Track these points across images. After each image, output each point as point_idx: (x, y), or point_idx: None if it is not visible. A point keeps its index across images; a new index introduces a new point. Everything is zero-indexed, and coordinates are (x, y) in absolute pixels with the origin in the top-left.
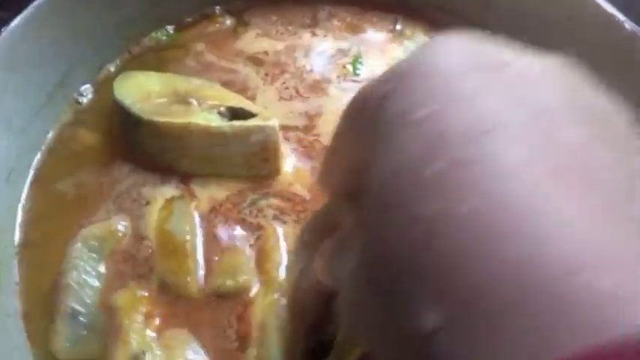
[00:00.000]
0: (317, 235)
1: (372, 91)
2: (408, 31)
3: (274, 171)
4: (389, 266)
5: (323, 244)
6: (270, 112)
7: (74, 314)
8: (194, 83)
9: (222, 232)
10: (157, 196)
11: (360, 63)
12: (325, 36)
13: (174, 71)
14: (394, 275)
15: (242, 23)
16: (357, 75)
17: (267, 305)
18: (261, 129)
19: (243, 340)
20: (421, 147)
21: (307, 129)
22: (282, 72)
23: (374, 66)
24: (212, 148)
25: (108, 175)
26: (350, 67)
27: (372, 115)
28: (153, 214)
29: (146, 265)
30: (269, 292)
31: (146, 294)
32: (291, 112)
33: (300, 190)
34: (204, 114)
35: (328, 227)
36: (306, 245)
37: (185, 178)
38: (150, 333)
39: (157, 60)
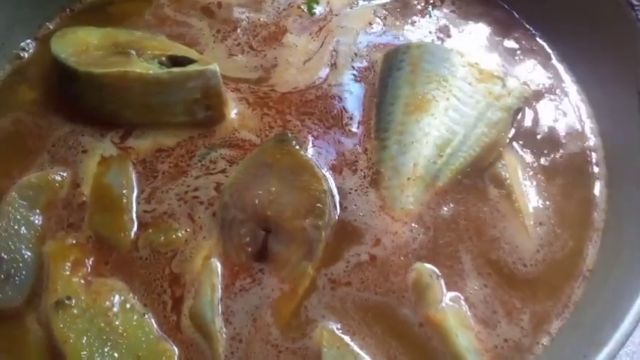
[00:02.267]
0: None
1: None
2: None
3: (218, 117)
4: None
5: None
6: (217, 60)
7: None
8: (135, 35)
9: (160, 186)
10: (96, 147)
11: (316, 2)
12: None
13: (127, 27)
14: None
15: None
16: (312, 15)
17: (202, 260)
18: (200, 73)
19: (177, 293)
20: None
21: (261, 80)
22: (235, 28)
23: (331, 2)
24: (151, 97)
25: (47, 125)
26: (305, 8)
27: None
28: (90, 165)
29: (79, 213)
30: (202, 248)
31: (75, 242)
32: (245, 67)
33: (247, 135)
34: (144, 63)
35: None
36: None
37: (127, 129)
38: (77, 280)
39: (106, 16)
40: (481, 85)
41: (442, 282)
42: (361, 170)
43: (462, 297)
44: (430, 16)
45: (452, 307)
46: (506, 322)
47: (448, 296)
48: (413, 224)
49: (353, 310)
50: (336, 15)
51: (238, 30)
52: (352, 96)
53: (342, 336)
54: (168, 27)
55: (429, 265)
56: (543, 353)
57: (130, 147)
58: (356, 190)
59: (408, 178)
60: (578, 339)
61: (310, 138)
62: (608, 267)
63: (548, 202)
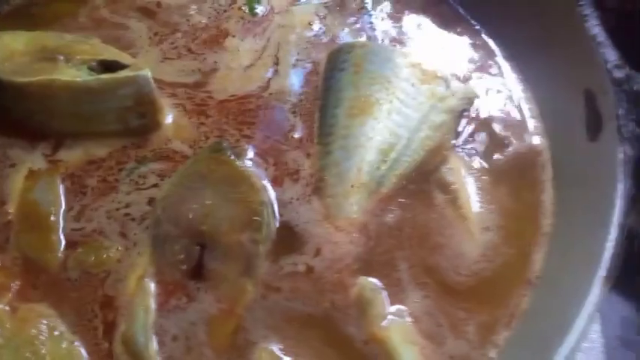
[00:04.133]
0: None
1: None
2: None
3: (153, 125)
4: None
5: None
6: (146, 65)
7: None
8: (66, 39)
9: (90, 203)
10: (26, 160)
11: (257, 1)
12: None
13: (59, 29)
14: None
15: None
16: (254, 15)
17: (135, 281)
18: (131, 80)
19: (109, 317)
20: None
21: (199, 85)
22: (174, 32)
23: (272, 1)
24: (81, 106)
25: None
26: (246, 9)
27: None
28: (17, 181)
29: (4, 232)
30: (136, 268)
31: (0, 264)
32: (182, 70)
33: (180, 146)
34: (72, 70)
35: None
36: None
37: (58, 140)
38: (2, 306)
39: (36, 18)
40: (424, 86)
41: (385, 295)
42: (304, 178)
43: (406, 310)
44: (371, 13)
45: (396, 321)
46: (453, 336)
47: (393, 309)
48: (355, 234)
49: (295, 328)
50: (278, 13)
51: (177, 33)
52: (295, 102)
53: (284, 357)
54: (104, 29)
55: (371, 279)
56: None
57: (60, 160)
58: (298, 199)
59: (352, 185)
60: (526, 350)
61: (249, 148)
62: (556, 272)
63: (493, 206)
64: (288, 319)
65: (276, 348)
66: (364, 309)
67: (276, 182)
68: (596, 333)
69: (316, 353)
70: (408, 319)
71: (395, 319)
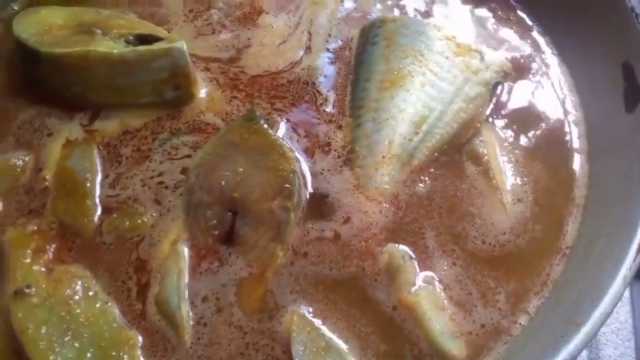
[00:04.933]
0: None
1: None
2: None
3: (187, 97)
4: None
5: None
6: (185, 39)
7: None
8: (103, 14)
9: (125, 172)
10: (62, 129)
11: None
12: None
13: (95, 5)
14: None
15: None
16: None
17: (168, 245)
18: (167, 52)
19: (142, 279)
20: None
21: (232, 61)
22: (208, 8)
23: None
24: (117, 78)
25: (13, 108)
26: None
27: None
28: (54, 149)
29: (41, 199)
30: (170, 233)
31: (37, 228)
32: (216, 46)
33: (212, 118)
34: (109, 42)
35: None
36: None
37: (95, 111)
38: (38, 268)
39: None
40: (459, 58)
41: (415, 263)
42: (335, 150)
43: (435, 277)
44: None
45: (425, 288)
46: (483, 303)
47: (422, 277)
48: (386, 204)
49: (324, 293)
50: None
51: (212, 9)
52: (327, 78)
53: (313, 320)
54: (139, 6)
55: (401, 247)
56: (521, 334)
57: (96, 129)
58: (329, 170)
59: (383, 157)
60: (556, 318)
61: (282, 121)
62: (588, 243)
63: (526, 179)
64: (316, 283)
65: (305, 311)
66: (393, 275)
67: (308, 153)
68: (626, 314)
69: (345, 316)
70: (438, 286)
71: (424, 286)
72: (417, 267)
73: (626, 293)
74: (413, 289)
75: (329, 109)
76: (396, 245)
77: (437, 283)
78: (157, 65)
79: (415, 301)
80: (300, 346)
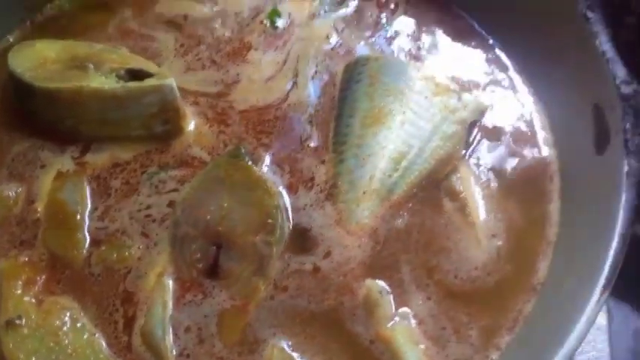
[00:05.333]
0: None
1: None
2: None
3: (176, 131)
4: None
5: None
6: (171, 74)
7: None
8: (95, 48)
9: (113, 204)
10: (55, 161)
11: (278, 15)
12: None
13: (89, 39)
14: None
15: None
16: (275, 28)
17: (154, 278)
18: (157, 88)
19: (129, 311)
20: None
21: (221, 95)
22: (198, 44)
23: (292, 15)
24: (108, 112)
25: (7, 140)
26: (268, 22)
27: None
28: (46, 181)
29: (33, 230)
30: (156, 266)
31: (28, 259)
32: (204, 80)
33: (200, 152)
34: (101, 78)
35: None
36: None
37: (86, 143)
38: (28, 299)
39: (68, 28)
40: (437, 98)
41: (391, 298)
42: (318, 185)
43: (410, 312)
44: (386, 28)
45: (401, 323)
46: (456, 338)
47: (398, 311)
48: (365, 239)
49: (304, 326)
50: (298, 27)
51: (202, 45)
52: (312, 112)
53: (293, 353)
54: (132, 40)
55: (379, 282)
56: None
57: (87, 162)
58: (311, 205)
59: (364, 192)
60: (525, 355)
61: (267, 155)
62: (558, 280)
63: (501, 215)
64: (295, 316)
65: (285, 344)
66: (371, 310)
67: (291, 189)
68: (603, 343)
69: (324, 350)
70: (413, 321)
71: (400, 321)
72: (394, 302)
73: (603, 321)
74: (389, 324)
75: (313, 144)
76: (374, 280)
77: (412, 318)
78: (147, 101)
79: (392, 335)
80: None
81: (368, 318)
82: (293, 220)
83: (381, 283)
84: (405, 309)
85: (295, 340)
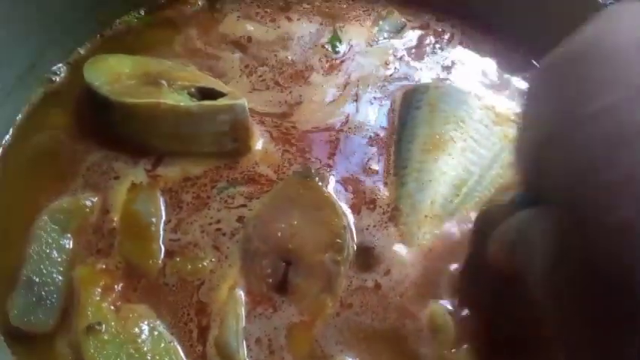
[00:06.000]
0: (490, 224)
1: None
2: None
3: (245, 149)
4: (598, 285)
5: (497, 230)
6: (241, 93)
7: (30, 284)
8: (166, 65)
9: (185, 217)
10: (128, 173)
11: (338, 40)
12: (299, 19)
13: (157, 55)
14: (606, 294)
15: (214, 5)
16: (336, 53)
17: (226, 290)
18: (229, 108)
19: (203, 322)
20: (600, 149)
21: (285, 116)
22: (262, 65)
23: (352, 40)
24: (181, 128)
25: (83, 150)
26: (329, 47)
27: (546, 102)
28: (121, 191)
29: (109, 239)
30: (227, 279)
31: (105, 267)
32: (270, 101)
33: (266, 170)
34: (174, 95)
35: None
36: (478, 232)
37: (158, 157)
38: (107, 305)
39: (136, 43)
40: (497, 127)
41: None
42: (380, 207)
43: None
44: (445, 55)
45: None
46: None
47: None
48: (427, 260)
49: (369, 343)
50: (358, 52)
51: (266, 66)
52: (373, 136)
53: None
54: (198, 58)
55: (442, 303)
56: None
57: (159, 175)
58: (374, 226)
59: (426, 216)
60: None
61: (331, 176)
62: None
63: None
64: (360, 333)
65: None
66: (435, 332)
67: (354, 209)
68: None
69: None
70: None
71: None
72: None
73: None
74: (453, 350)
75: (374, 166)
76: (438, 302)
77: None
78: (220, 119)
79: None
80: None
81: (432, 339)
82: (357, 238)
83: (445, 304)
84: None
85: (362, 357)
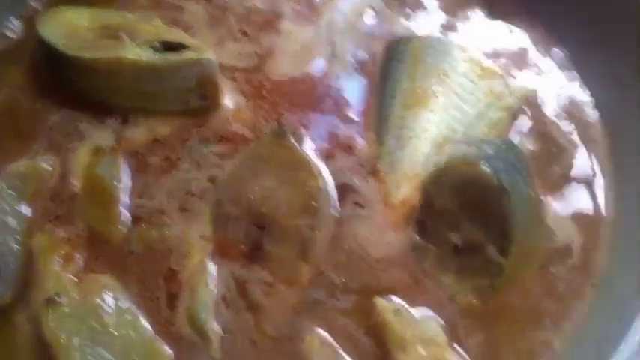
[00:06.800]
0: None
1: None
2: None
3: (213, 106)
4: None
5: None
6: (208, 46)
7: None
8: (128, 17)
9: (152, 180)
10: (93, 134)
11: None
12: None
13: (118, 7)
14: None
15: None
16: None
17: (196, 258)
18: (195, 62)
19: (172, 290)
20: None
21: (256, 69)
22: (229, 14)
23: None
24: (145, 84)
25: (42, 109)
26: None
27: None
28: (83, 154)
29: (69, 205)
30: (198, 246)
31: (65, 235)
32: (239, 54)
33: (240, 128)
34: (136, 49)
35: None
36: None
37: (123, 117)
38: (68, 276)
39: None
40: (483, 82)
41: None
42: (356, 155)
43: None
44: (428, 7)
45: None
46: None
47: None
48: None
49: (346, 315)
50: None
51: (232, 16)
52: (351, 86)
53: (335, 345)
54: (162, 10)
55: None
56: None
57: (125, 137)
58: (350, 169)
59: (405, 174)
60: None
61: (305, 129)
62: (615, 277)
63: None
64: (339, 304)
65: (327, 334)
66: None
67: (329, 155)
68: None
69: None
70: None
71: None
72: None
73: None
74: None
75: (352, 116)
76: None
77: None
78: (185, 74)
79: None
80: None
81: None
82: (334, 180)
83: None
84: None
85: (338, 332)
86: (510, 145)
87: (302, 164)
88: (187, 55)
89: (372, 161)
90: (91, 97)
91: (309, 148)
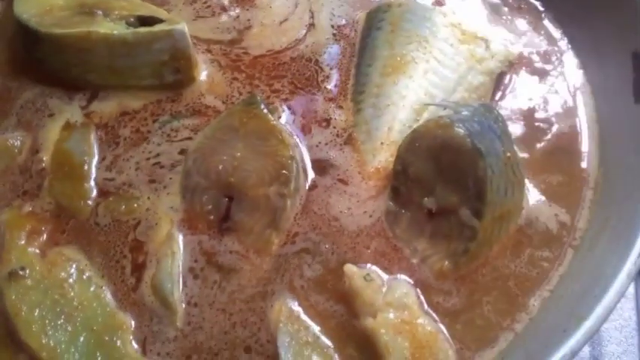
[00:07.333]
0: None
1: None
2: None
3: (187, 80)
4: None
5: None
6: (185, 22)
7: None
8: None
9: (122, 153)
10: (63, 109)
11: None
12: None
13: None
14: None
15: None
16: None
17: (164, 229)
18: (167, 34)
19: (137, 262)
20: None
21: (234, 42)
22: None
23: None
24: (117, 59)
25: (16, 87)
26: None
27: None
28: (53, 130)
29: (37, 180)
30: (165, 217)
31: (32, 210)
32: (217, 28)
33: (213, 101)
34: (109, 24)
35: None
36: None
37: (93, 92)
38: (32, 250)
39: None
40: (463, 46)
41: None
42: (334, 127)
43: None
44: None
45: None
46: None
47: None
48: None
49: (315, 285)
50: None
51: None
52: (330, 57)
53: (303, 316)
54: None
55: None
56: (523, 328)
57: (94, 111)
58: (327, 144)
59: (382, 143)
60: (558, 312)
61: (282, 102)
62: (594, 237)
63: (530, 171)
64: (309, 273)
65: (294, 304)
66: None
67: (305, 130)
68: (630, 311)
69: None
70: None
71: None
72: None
73: (631, 289)
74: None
75: (330, 87)
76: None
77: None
78: (158, 47)
79: None
80: (286, 337)
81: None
82: (309, 156)
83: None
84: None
85: (306, 302)
86: (488, 108)
87: (273, 133)
88: (158, 27)
89: (348, 131)
90: (65, 74)
91: (284, 121)
